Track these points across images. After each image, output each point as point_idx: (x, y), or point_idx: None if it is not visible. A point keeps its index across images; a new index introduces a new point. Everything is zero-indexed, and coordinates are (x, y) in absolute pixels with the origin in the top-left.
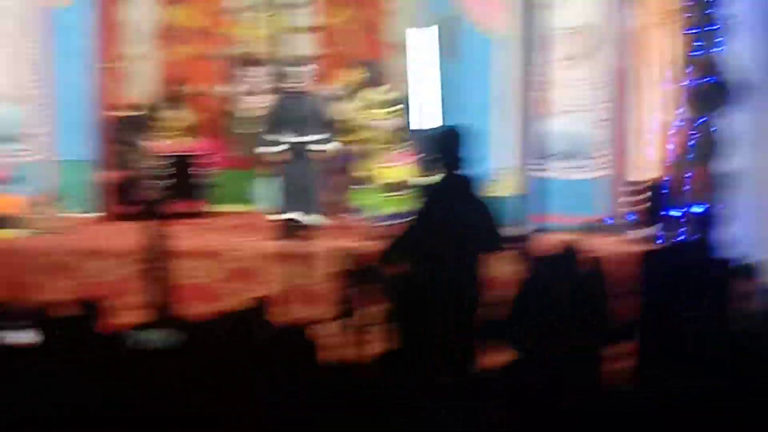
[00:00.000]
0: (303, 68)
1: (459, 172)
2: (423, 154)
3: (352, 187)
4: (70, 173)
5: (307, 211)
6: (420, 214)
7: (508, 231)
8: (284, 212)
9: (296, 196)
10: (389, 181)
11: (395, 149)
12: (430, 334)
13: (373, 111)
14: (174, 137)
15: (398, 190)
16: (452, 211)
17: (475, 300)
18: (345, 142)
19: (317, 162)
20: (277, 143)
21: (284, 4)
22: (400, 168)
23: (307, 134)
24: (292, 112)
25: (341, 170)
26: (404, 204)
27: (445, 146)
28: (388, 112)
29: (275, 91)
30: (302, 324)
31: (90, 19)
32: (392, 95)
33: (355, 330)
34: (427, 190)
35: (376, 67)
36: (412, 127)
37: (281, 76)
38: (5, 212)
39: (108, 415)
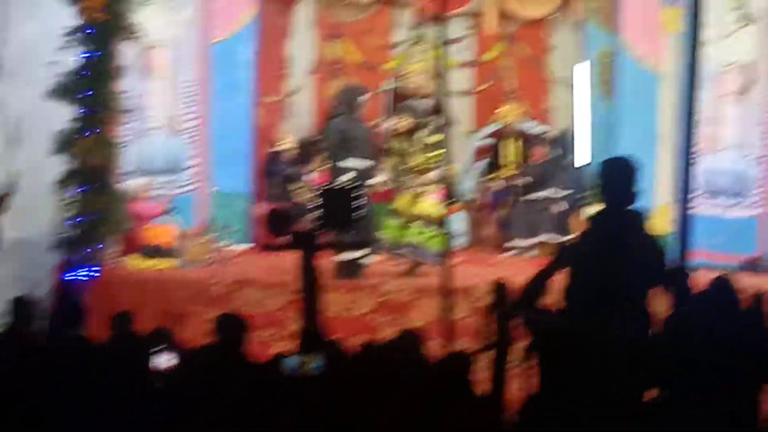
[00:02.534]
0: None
1: (627, 205)
2: (590, 186)
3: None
4: (224, 205)
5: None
6: (581, 246)
7: (669, 267)
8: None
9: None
10: (427, 215)
11: (436, 187)
12: (587, 378)
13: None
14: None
15: (434, 225)
16: (619, 245)
17: (641, 340)
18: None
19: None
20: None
21: (443, 39)
22: (437, 204)
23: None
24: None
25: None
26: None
27: (614, 178)
28: (432, 157)
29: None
30: (452, 357)
31: (250, 53)
32: (435, 138)
33: (500, 366)
34: (593, 222)
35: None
36: (576, 163)
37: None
38: (160, 242)
39: None
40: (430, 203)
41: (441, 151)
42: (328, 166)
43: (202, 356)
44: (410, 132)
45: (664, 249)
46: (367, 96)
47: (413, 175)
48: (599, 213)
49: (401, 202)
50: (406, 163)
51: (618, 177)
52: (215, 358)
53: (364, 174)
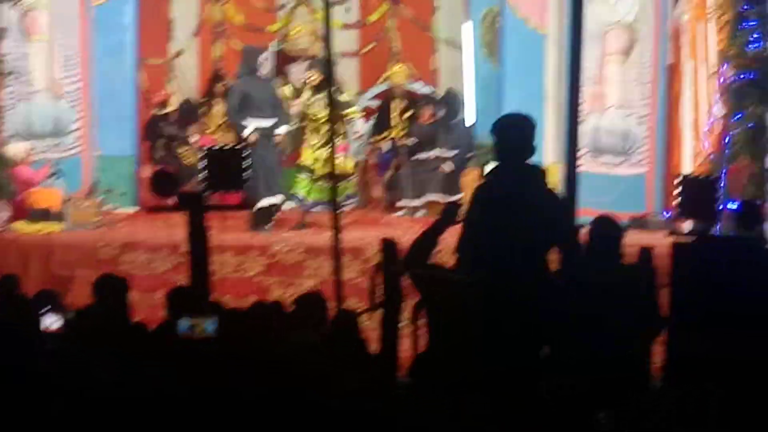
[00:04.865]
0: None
1: (525, 159)
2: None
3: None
4: (109, 168)
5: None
6: (479, 201)
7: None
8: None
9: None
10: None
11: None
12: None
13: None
14: (215, 131)
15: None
16: (520, 198)
17: (547, 298)
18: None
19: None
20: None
21: (327, 1)
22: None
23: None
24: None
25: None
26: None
27: (511, 133)
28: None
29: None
30: (339, 316)
31: (133, 15)
32: (345, 97)
33: (390, 325)
34: (490, 178)
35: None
36: (467, 122)
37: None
38: (45, 206)
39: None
40: (342, 158)
41: (354, 108)
42: (230, 126)
43: (85, 318)
44: (319, 87)
45: (564, 204)
46: (266, 55)
47: (322, 130)
48: (496, 168)
49: (311, 157)
50: (315, 118)
51: (515, 132)
52: (98, 319)
53: (269, 132)
